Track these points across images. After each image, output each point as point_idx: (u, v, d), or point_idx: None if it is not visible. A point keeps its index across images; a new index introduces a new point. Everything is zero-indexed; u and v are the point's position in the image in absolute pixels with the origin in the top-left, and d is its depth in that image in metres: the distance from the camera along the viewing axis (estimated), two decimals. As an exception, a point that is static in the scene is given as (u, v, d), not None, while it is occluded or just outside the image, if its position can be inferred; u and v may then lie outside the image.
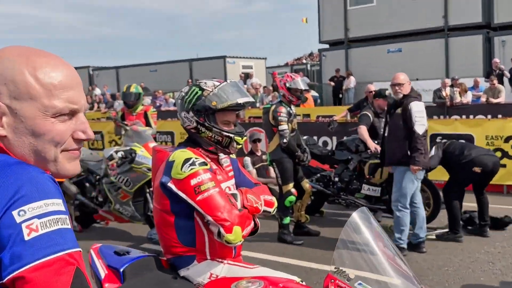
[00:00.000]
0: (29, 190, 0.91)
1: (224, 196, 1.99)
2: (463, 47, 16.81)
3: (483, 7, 16.54)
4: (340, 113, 8.88)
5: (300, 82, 5.46)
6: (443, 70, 17.10)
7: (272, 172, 6.64)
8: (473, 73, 15.59)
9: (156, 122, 6.86)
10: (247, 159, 6.90)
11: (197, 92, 2.09)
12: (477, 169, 5.06)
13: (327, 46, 20.51)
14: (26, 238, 0.88)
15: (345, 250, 1.81)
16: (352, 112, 8.54)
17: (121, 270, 2.00)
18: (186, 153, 2.05)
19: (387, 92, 6.16)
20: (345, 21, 19.24)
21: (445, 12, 17.20)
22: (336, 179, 6.10)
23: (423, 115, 4.67)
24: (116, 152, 5.51)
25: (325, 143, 8.60)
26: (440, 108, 10.89)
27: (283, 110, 5.35)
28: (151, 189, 5.13)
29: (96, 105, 18.56)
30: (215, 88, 2.08)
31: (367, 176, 5.91)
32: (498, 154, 7.11)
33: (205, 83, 2.11)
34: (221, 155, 2.23)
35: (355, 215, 1.93)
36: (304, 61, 31.54)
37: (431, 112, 9.43)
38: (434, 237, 5.34)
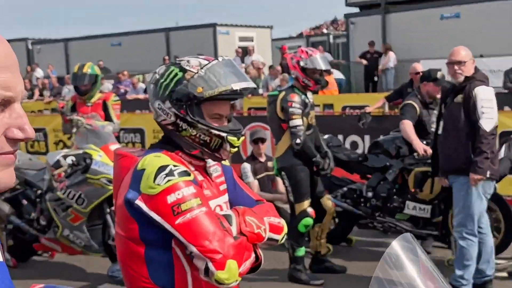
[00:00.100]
0: None
1: (213, 219, 2.00)
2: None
3: None
4: (374, 103, 8.87)
5: (320, 60, 5.47)
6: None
7: (280, 184, 6.65)
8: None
9: (119, 115, 6.88)
10: (246, 167, 6.92)
11: (176, 74, 2.09)
12: None
13: (356, 10, 20.55)
14: None
15: (382, 293, 1.80)
16: (391, 102, 8.54)
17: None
18: (161, 158, 2.05)
19: (439, 74, 6.16)
20: (382, -25, 19.30)
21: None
22: (370, 194, 6.11)
23: (493, 105, 4.65)
24: (65, 157, 5.52)
25: (354, 145, 8.61)
26: (514, 95, 10.89)
27: (295, 98, 5.36)
28: (113, 208, 5.12)
29: (37, 92, 18.63)
30: (201, 68, 2.08)
31: (413, 190, 5.91)
32: None
33: (188, 61, 2.11)
34: (210, 162, 2.23)
35: (396, 245, 1.92)
36: (324, 30, 31.62)
37: (501, 101, 9.41)
38: (505, 274, 5.33)
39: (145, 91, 15.91)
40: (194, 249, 1.96)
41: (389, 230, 6.19)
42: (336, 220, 6.45)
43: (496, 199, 5.60)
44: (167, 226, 1.97)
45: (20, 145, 1.08)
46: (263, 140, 7.06)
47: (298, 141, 5.31)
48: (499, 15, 17.35)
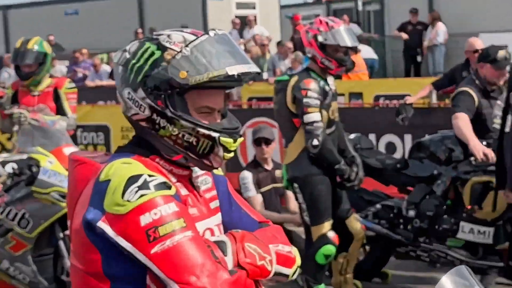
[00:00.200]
0: None
1: (202, 247, 2.00)
2: None
3: None
4: (418, 91, 8.85)
5: (344, 34, 5.49)
6: None
7: (292, 200, 6.64)
8: None
9: (75, 107, 6.88)
10: (247, 177, 6.90)
11: (152, 53, 2.10)
12: None
13: (393, -34, 20.51)
14: None
15: None
16: (441, 89, 8.52)
17: None
18: (132, 166, 2.06)
19: (501, 54, 6.12)
20: None
21: None
22: (411, 212, 6.10)
23: None
24: (3, 164, 5.52)
25: (390, 147, 8.61)
26: None
27: (312, 85, 5.37)
28: (67, 232, 5.12)
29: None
30: (186, 46, 2.09)
31: (469, 207, 5.90)
32: None
33: (169, 36, 2.12)
34: (197, 170, 2.24)
35: (447, 281, 1.93)
36: (351, -6, 31.55)
37: None
38: None
39: (110, 75, 15.92)
40: (176, 287, 1.96)
41: (437, 261, 6.17)
42: (367, 248, 6.44)
43: None
44: (140, 256, 1.97)
45: None
46: (268, 141, 7.04)
47: (315, 142, 5.31)
48: None
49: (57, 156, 5.62)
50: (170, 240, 1.96)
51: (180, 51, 2.08)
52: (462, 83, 6.41)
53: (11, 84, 7.04)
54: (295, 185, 5.50)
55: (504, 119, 5.06)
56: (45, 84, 6.73)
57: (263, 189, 6.90)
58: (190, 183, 2.21)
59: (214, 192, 2.30)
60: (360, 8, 25.02)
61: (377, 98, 11.71)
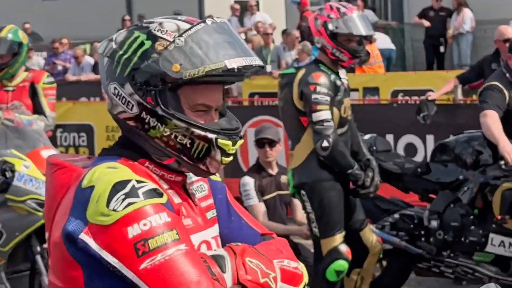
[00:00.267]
0: None
1: (197, 262, 2.00)
2: None
3: None
4: (441, 86, 8.86)
5: (358, 21, 5.48)
6: None
7: (299, 210, 6.64)
8: None
9: (54, 104, 6.87)
10: (248, 183, 6.90)
11: (142, 44, 2.10)
12: None
13: None
14: None
15: None
16: (467, 84, 8.53)
17: None
18: (118, 171, 2.06)
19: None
20: None
21: None
22: (434, 223, 6.10)
23: None
24: (-27, 168, 5.52)
25: (410, 149, 8.61)
26: None
27: (322, 80, 5.37)
28: (45, 246, 5.12)
29: None
30: (180, 35, 2.09)
31: (499, 217, 5.90)
32: None
33: (160, 24, 2.12)
34: (191, 176, 2.24)
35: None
36: (365, -24, 31.56)
37: None
38: None
39: (94, 68, 15.94)
40: (168, 307, 1.96)
41: (463, 277, 6.16)
42: (384, 263, 6.44)
43: None
44: (128, 272, 1.97)
45: None
46: (273, 143, 7.03)
47: (325, 144, 5.31)
48: None
49: (34, 159, 5.62)
50: (162, 255, 1.95)
51: (173, 42, 2.07)
52: (491, 76, 6.40)
53: (-18, 79, 7.02)
54: (303, 192, 5.50)
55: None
56: (20, 78, 6.72)
57: (267, 197, 6.89)
58: (183, 190, 2.21)
59: (210, 201, 2.30)
60: (376, -8, 25.09)
61: (395, 93, 11.71)
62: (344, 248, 5.42)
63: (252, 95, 12.63)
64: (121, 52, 2.11)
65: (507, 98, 6.05)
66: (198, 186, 2.28)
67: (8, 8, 23.12)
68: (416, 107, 7.76)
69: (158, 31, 2.10)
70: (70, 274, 2.05)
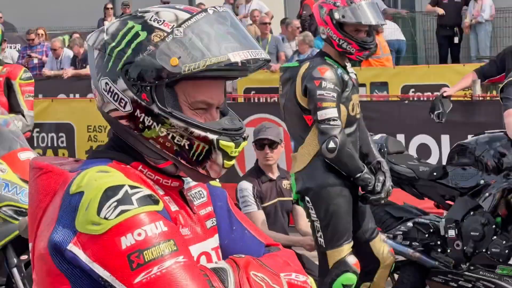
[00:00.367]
0: None
1: (197, 275, 2.01)
2: None
3: None
4: (457, 81, 8.86)
5: (367, 9, 5.50)
6: None
7: (302, 218, 6.64)
8: None
9: (32, 103, 6.87)
10: (246, 189, 6.91)
11: (136, 35, 2.10)
12: None
13: None
14: None
15: None
16: (487, 79, 8.53)
17: None
18: (110, 175, 2.06)
19: None
20: None
21: None
22: (452, 233, 6.10)
23: None
24: None
25: (423, 150, 8.62)
26: None
27: (327, 74, 5.39)
28: (24, 257, 5.12)
29: None
30: (178, 26, 2.09)
31: (524, 227, 5.91)
32: None
33: (157, 14, 2.13)
34: (188, 181, 2.25)
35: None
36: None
37: None
38: None
39: (74, 61, 15.91)
40: (165, 326, 1.96)
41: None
42: (396, 276, 6.44)
43: None
44: (121, 287, 1.97)
45: None
46: (273, 144, 7.05)
47: (332, 145, 5.32)
48: None
49: (10, 162, 5.62)
50: (158, 268, 1.95)
51: (171, 33, 2.08)
52: (514, 70, 6.41)
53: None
54: (307, 198, 5.50)
55: None
56: (-6, 74, 6.73)
57: (266, 204, 6.90)
58: (181, 196, 2.22)
59: (210, 208, 2.31)
60: (384, -23, 25.12)
61: (405, 89, 11.73)
62: (352, 260, 5.42)
63: (248, 90, 12.64)
64: (113, 44, 2.11)
65: (533, 94, 6.06)
66: (196, 192, 2.29)
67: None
68: (430, 104, 7.74)
69: (154, 21, 2.10)
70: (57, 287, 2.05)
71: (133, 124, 2.11)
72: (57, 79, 14.92)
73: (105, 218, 1.97)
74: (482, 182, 6.07)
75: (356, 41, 5.43)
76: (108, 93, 2.12)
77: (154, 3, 2.30)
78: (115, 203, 1.98)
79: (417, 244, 6.22)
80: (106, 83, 2.12)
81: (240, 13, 18.30)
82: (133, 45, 2.09)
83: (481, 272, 6.01)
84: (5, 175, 5.41)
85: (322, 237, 5.46)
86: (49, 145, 10.81)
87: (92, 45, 2.16)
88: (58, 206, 2.06)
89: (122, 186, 2.02)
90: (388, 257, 5.75)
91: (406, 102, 10.51)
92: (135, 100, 2.09)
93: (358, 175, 5.41)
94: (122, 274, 1.96)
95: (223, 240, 2.30)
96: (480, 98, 9.45)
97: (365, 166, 5.50)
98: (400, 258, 6.15)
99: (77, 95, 12.70)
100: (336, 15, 5.43)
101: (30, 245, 2.17)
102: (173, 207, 2.15)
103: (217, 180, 2.28)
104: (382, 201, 5.66)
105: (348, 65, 5.63)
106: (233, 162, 2.17)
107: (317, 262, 5.87)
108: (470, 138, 6.60)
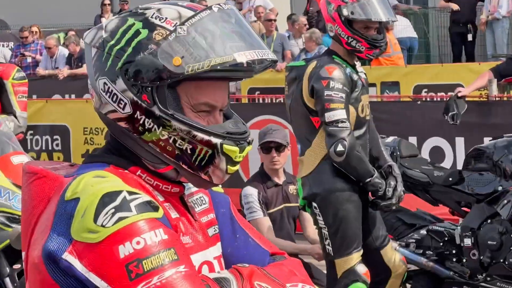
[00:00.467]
0: None
1: (199, 286, 2.00)
2: None
3: None
4: (473, 80, 8.86)
5: (377, 5, 5.51)
6: None
7: (310, 224, 6.65)
8: None
9: (26, 104, 6.88)
10: (251, 194, 6.91)
11: (137, 33, 2.10)
12: None
13: None
14: None
15: None
16: (504, 78, 8.54)
17: None
18: (107, 180, 2.06)
19: None
20: None
21: None
22: (468, 241, 6.10)
23: None
24: None
25: (437, 154, 8.62)
26: None
27: (336, 73, 5.39)
28: (16, 267, 5.12)
29: None
30: (181, 24, 2.09)
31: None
32: None
33: (159, 11, 2.12)
34: (189, 187, 2.25)
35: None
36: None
37: None
38: None
39: (69, 61, 15.92)
40: None
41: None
42: (408, 286, 6.44)
43: None
44: (119, 298, 1.97)
45: None
46: (280, 147, 7.06)
47: (340, 148, 5.32)
48: None
49: (3, 166, 5.62)
50: (158, 278, 1.95)
51: (174, 31, 2.08)
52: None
53: None
54: (314, 204, 5.50)
55: None
56: (-14, 74, 6.73)
57: (272, 210, 6.91)
58: (181, 203, 2.22)
59: (212, 215, 2.31)
60: (395, -29, 25.12)
61: (417, 89, 11.73)
62: (362, 269, 5.42)
63: (252, 91, 12.65)
64: (112, 42, 2.11)
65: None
66: (198, 198, 2.29)
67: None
68: (443, 105, 7.73)
69: (156, 18, 2.10)
70: (51, 298, 2.05)
71: (132, 126, 2.11)
72: (52, 79, 14.93)
73: (102, 226, 1.97)
74: (500, 188, 6.06)
75: (366, 38, 5.43)
76: (106, 94, 2.11)
77: (153, -1, 2.29)
78: (113, 210, 1.98)
79: (431, 252, 6.22)
80: (105, 83, 2.11)
81: (242, 7, 18.29)
82: (133, 44, 2.09)
83: (498, 284, 6.00)
84: (-3, 180, 5.43)
85: (330, 245, 5.46)
86: (44, 148, 10.82)
87: (90, 43, 2.15)
88: (53, 213, 2.05)
89: (120, 192, 2.01)
90: (400, 266, 5.74)
91: (419, 102, 10.52)
92: (135, 101, 2.09)
93: (368, 179, 5.41)
94: (120, 285, 1.96)
95: (226, 249, 2.30)
96: (497, 99, 9.45)
97: (375, 170, 5.49)
98: (413, 267, 6.15)
99: (73, 96, 12.73)
100: (345, 12, 5.42)
101: (23, 253, 2.17)
102: (174, 214, 2.15)
103: (220, 185, 2.28)
104: (393, 207, 5.65)
105: (358, 64, 5.63)
106: (237, 167, 2.17)
107: (325, 271, 5.86)
108: (487, 142, 6.60)
